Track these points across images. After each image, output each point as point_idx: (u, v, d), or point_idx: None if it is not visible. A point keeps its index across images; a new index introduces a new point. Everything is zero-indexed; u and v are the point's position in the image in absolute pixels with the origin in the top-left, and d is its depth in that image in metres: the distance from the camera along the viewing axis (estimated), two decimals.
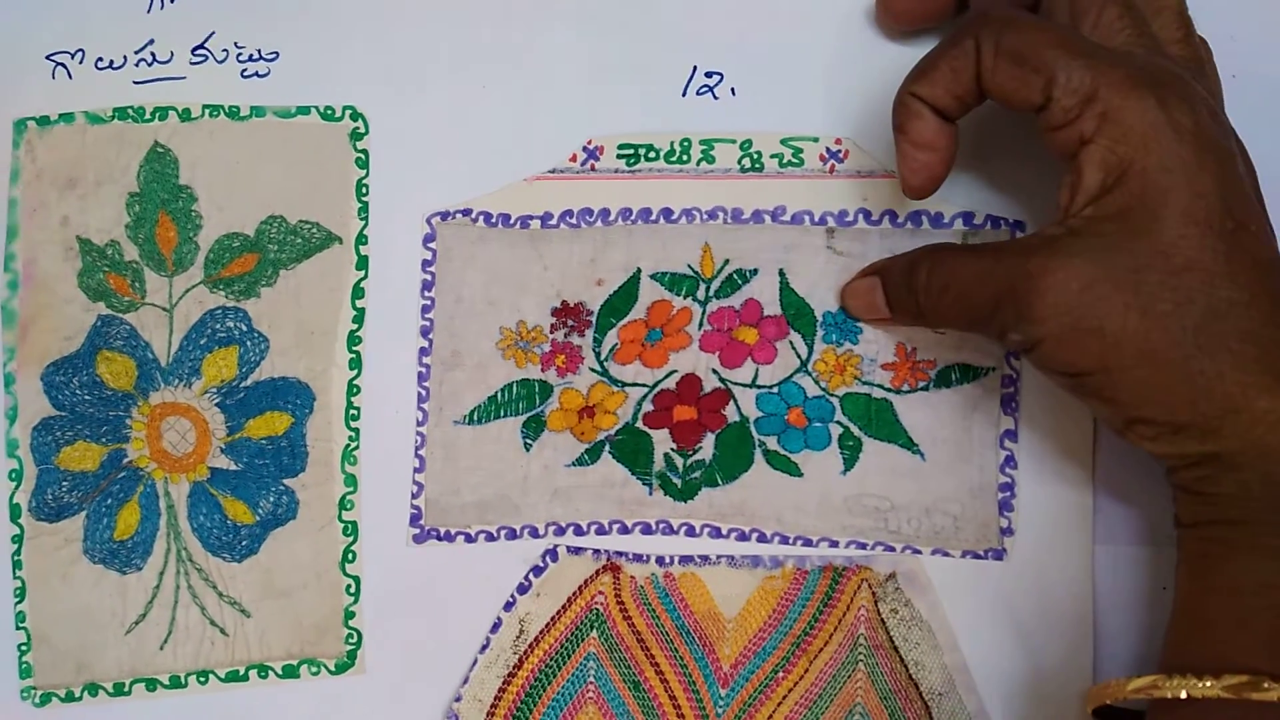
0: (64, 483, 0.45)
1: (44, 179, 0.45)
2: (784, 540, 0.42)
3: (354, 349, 0.44)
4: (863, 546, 0.42)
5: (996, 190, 0.43)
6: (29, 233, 0.45)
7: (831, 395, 0.42)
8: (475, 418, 0.44)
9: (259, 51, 0.45)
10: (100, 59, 0.45)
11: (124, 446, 0.45)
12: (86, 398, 0.45)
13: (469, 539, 0.43)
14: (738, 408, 0.43)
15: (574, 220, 0.43)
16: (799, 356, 0.42)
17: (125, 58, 0.45)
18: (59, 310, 0.45)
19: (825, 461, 0.42)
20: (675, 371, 0.43)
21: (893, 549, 0.42)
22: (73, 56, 0.45)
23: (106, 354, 0.45)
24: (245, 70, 0.45)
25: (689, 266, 0.43)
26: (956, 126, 0.38)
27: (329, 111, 0.44)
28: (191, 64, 0.45)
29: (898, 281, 0.39)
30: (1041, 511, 0.42)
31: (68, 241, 0.45)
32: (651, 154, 0.43)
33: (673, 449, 0.43)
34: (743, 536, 0.43)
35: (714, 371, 0.43)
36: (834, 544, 0.42)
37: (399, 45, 0.44)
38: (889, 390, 0.42)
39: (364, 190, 0.44)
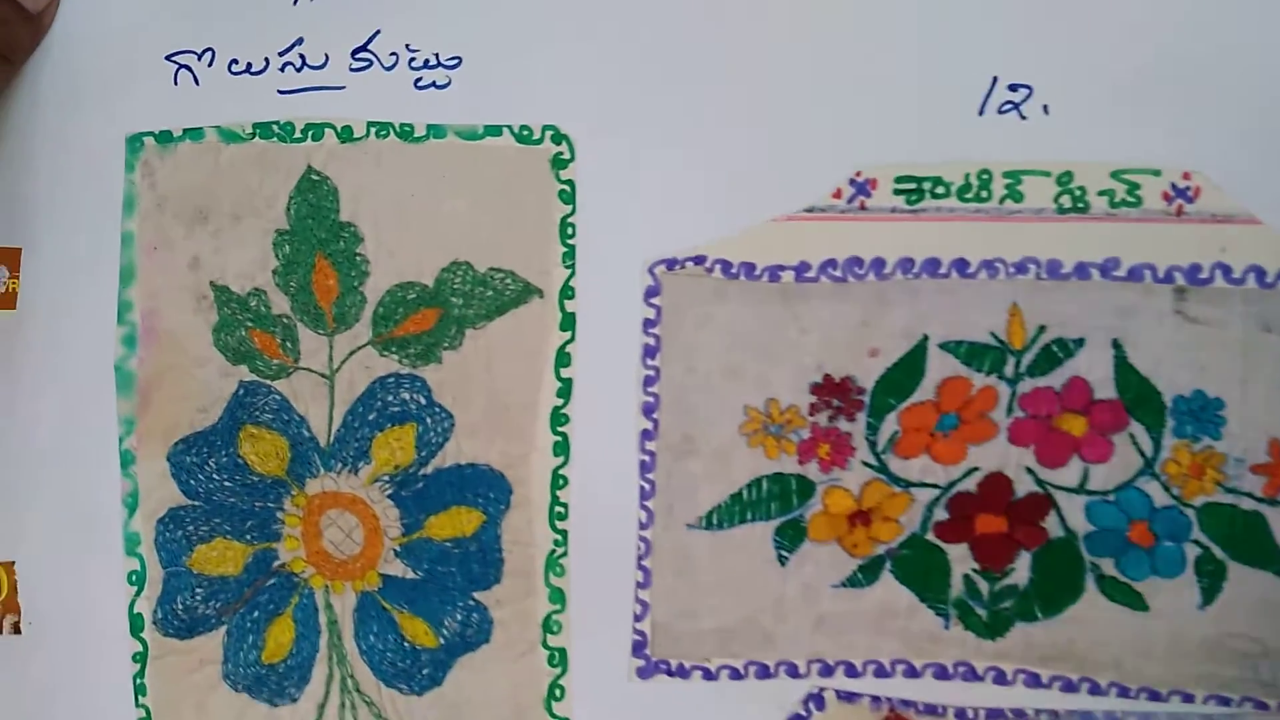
0: (198, 590, 0.37)
1: (167, 210, 0.37)
2: (1123, 693, 0.35)
3: (559, 430, 0.36)
4: (1226, 703, 0.35)
5: None
6: (149, 276, 0.37)
7: (1186, 506, 0.34)
8: (715, 521, 0.36)
9: (437, 56, 0.36)
10: (235, 61, 0.37)
11: (274, 546, 0.37)
12: (226, 484, 0.37)
13: (708, 675, 0.36)
14: (1061, 519, 0.35)
15: (839, 272, 0.35)
16: (1142, 454, 0.34)
17: (268, 60, 0.37)
18: (190, 374, 0.37)
19: (1178, 592, 0.35)
20: (977, 469, 0.35)
21: (1265, 706, 0.34)
22: (200, 58, 0.37)
23: (251, 430, 0.37)
24: (420, 79, 0.36)
25: (992, 335, 0.34)
26: None
27: (525, 132, 0.36)
28: (352, 70, 0.37)
29: None
30: None
31: (199, 289, 0.37)
32: (939, 189, 0.34)
33: (975, 570, 0.35)
34: (1069, 686, 0.35)
35: (1029, 471, 0.35)
36: (1188, 699, 0.35)
37: (612, 50, 0.36)
38: (1262, 501, 0.34)
39: (570, 231, 0.36)
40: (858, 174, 0.36)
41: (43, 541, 0.39)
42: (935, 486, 0.36)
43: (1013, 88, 0.36)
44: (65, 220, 0.38)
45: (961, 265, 0.36)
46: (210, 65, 0.38)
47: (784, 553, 0.36)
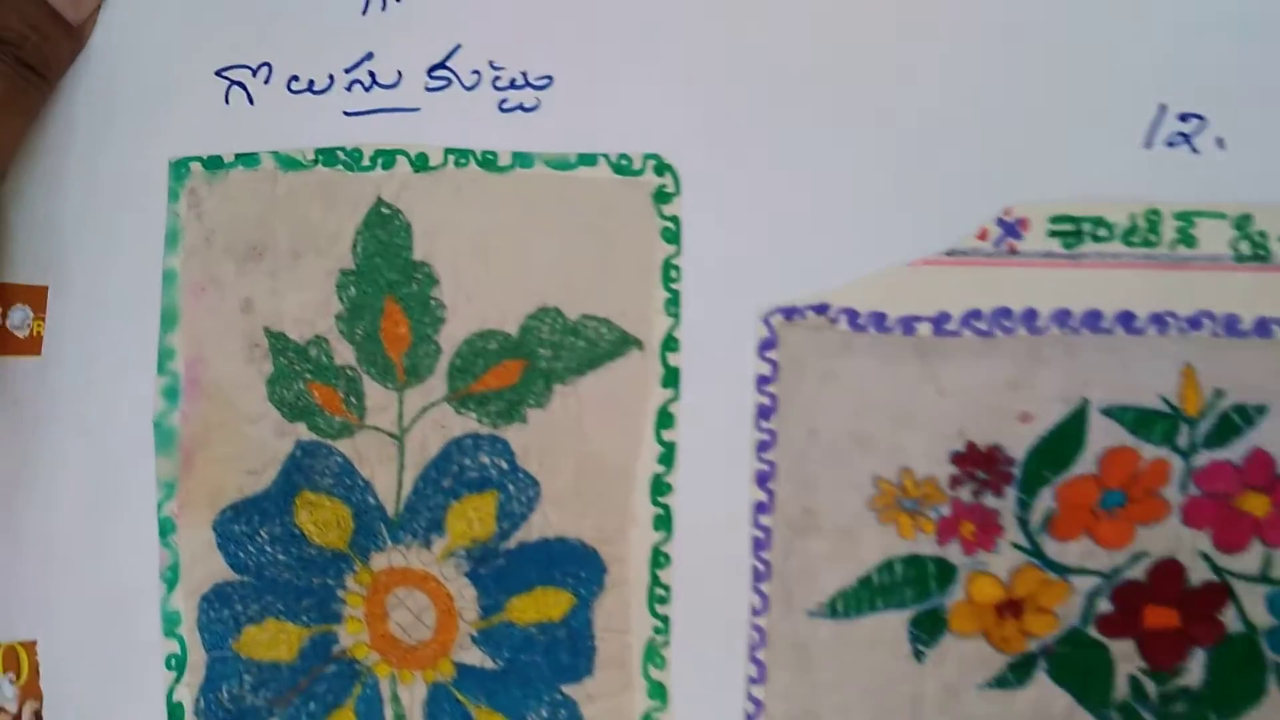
0: (247, 677, 0.33)
1: (216, 245, 0.33)
2: None
3: (661, 501, 0.32)
4: None
5: None
6: (195, 320, 0.33)
7: None
8: (840, 608, 0.31)
9: (524, 75, 0.32)
10: (295, 78, 0.33)
11: (334, 629, 0.33)
12: (280, 558, 0.33)
13: None
14: (1240, 612, 0.31)
15: (984, 325, 0.31)
16: None
17: (332, 78, 0.33)
18: (240, 432, 0.33)
19: None
20: (1146, 555, 0.31)
21: None
22: (255, 73, 0.33)
23: (310, 497, 0.33)
24: (505, 101, 0.32)
25: (1162, 399, 0.30)
26: None
27: (624, 162, 0.32)
28: (428, 90, 0.32)
29: None
30: None
31: (252, 335, 0.33)
32: (1101, 231, 0.30)
33: (1143, 670, 0.31)
34: None
35: (1204, 557, 0.31)
36: None
37: (723, 67, 0.32)
38: None
39: (674, 274, 0.32)
40: (1007, 212, 0.31)
41: (70, 618, 0.35)
42: (1097, 574, 0.32)
43: (1183, 117, 0.31)
44: (98, 255, 0.34)
45: (1127, 319, 0.31)
46: (267, 82, 0.33)
47: (921, 647, 0.32)
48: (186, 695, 0.34)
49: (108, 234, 0.34)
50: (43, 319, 0.35)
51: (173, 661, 0.34)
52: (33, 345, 0.35)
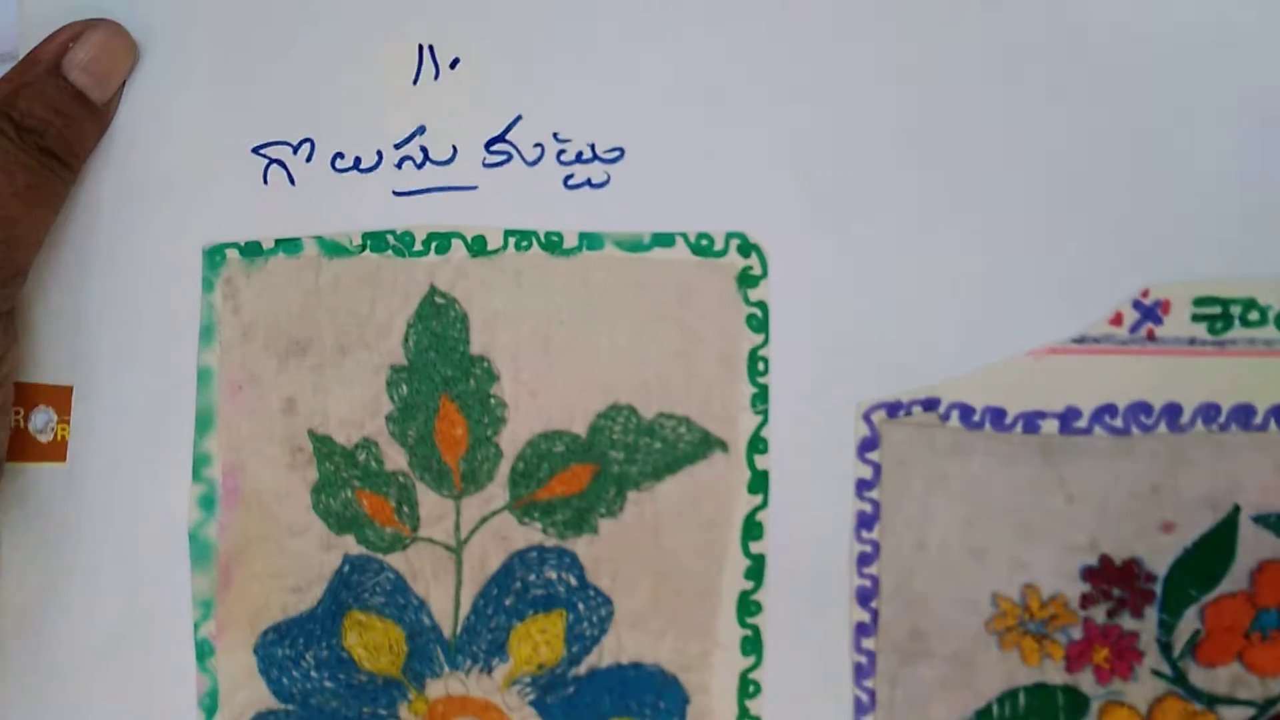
0: None
1: (255, 340, 0.30)
2: None
3: (749, 622, 0.28)
4: None
5: None
6: (233, 422, 0.30)
7: None
8: None
9: (592, 148, 0.29)
10: (340, 155, 0.30)
11: None
12: (328, 684, 0.29)
13: None
14: None
15: (1119, 422, 0.27)
16: None
17: (381, 154, 0.30)
18: (282, 546, 0.30)
19: None
20: None
21: None
22: (296, 151, 0.30)
23: (359, 617, 0.29)
24: (571, 177, 0.29)
25: None
26: None
27: (705, 242, 0.28)
28: (486, 165, 0.29)
29: None
30: None
31: (295, 438, 0.30)
32: (1253, 314, 0.27)
33: None
34: None
35: None
36: None
37: (815, 135, 0.28)
38: None
39: (762, 367, 0.28)
40: (1144, 293, 0.27)
41: None
42: (1250, 704, 0.27)
43: None
44: (127, 352, 0.31)
45: None
46: (309, 160, 0.30)
47: None
48: None
49: (137, 329, 0.31)
50: (67, 422, 0.31)
51: None
52: (57, 451, 0.32)
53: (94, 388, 0.31)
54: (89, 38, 0.31)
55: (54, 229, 0.31)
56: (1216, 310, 0.28)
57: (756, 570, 0.29)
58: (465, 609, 0.30)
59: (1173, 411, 0.28)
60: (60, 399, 0.32)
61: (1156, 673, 0.28)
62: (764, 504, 0.29)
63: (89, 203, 0.31)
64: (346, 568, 0.30)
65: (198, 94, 0.31)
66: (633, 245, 0.29)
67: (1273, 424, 0.27)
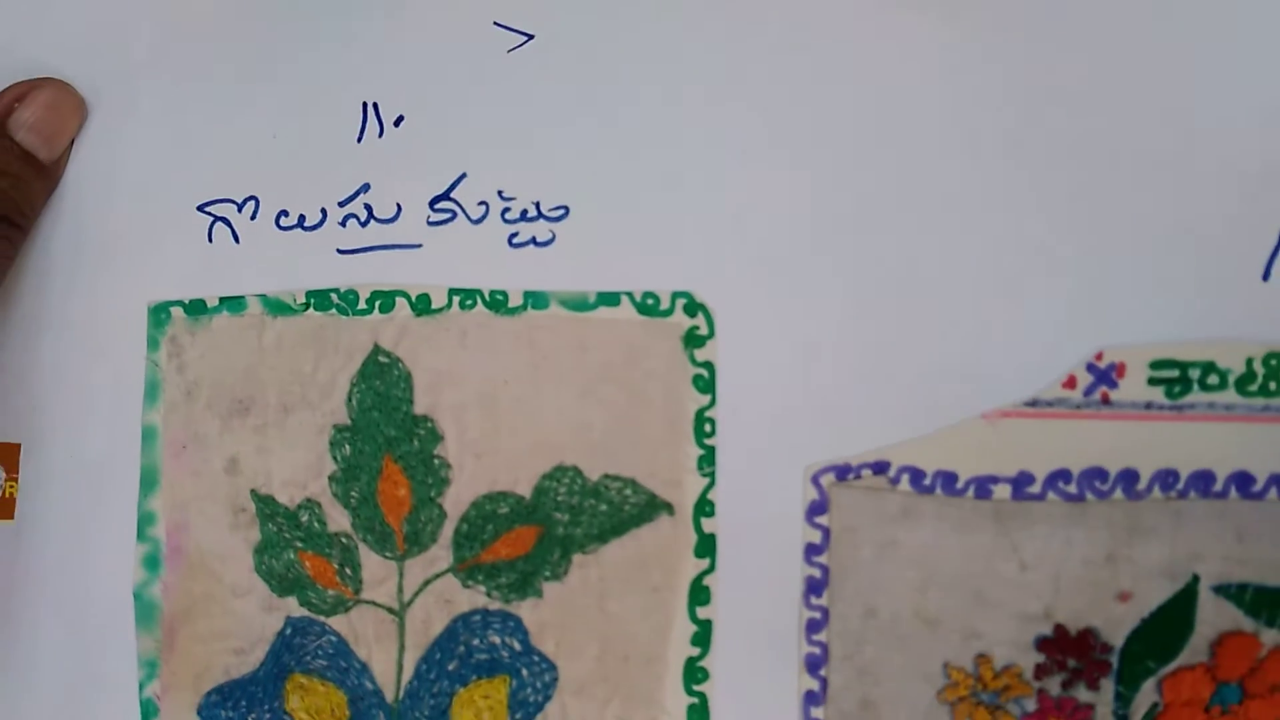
0: None
1: (198, 399, 0.29)
2: None
3: (696, 689, 0.27)
4: None
5: None
6: (176, 482, 0.29)
7: None
8: None
9: (537, 206, 0.28)
10: (285, 213, 0.29)
11: None
12: None
13: None
14: None
15: (1074, 488, 0.26)
16: None
17: (324, 212, 0.29)
18: (225, 607, 0.29)
19: None
20: None
21: None
22: (240, 208, 0.29)
23: (301, 680, 0.28)
24: (516, 235, 0.28)
25: None
26: None
27: (651, 301, 0.27)
28: (431, 224, 0.28)
29: None
30: None
31: (238, 499, 0.29)
32: (1211, 378, 0.25)
33: None
34: None
35: None
36: None
37: (762, 195, 0.27)
38: None
39: (709, 429, 0.27)
40: (1098, 356, 0.26)
41: None
42: None
43: None
44: (74, 410, 0.30)
45: (1243, 481, 0.26)
46: (253, 218, 0.29)
47: None
48: None
49: (83, 387, 0.30)
50: (15, 480, 0.30)
51: None
52: (5, 509, 0.30)
53: (42, 446, 0.30)
54: (35, 97, 0.30)
55: (4, 287, 0.31)
56: (1174, 374, 0.26)
57: (703, 636, 0.27)
58: (408, 673, 0.29)
59: (1129, 477, 0.26)
60: (9, 456, 0.31)
61: None
62: (711, 568, 0.27)
63: (39, 260, 0.30)
64: (289, 630, 0.29)
65: (144, 151, 0.30)
66: (578, 304, 0.28)
67: (1233, 491, 0.26)
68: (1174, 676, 0.26)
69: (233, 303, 0.30)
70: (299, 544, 0.29)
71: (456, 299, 0.29)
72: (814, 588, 0.27)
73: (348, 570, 0.29)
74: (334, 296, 0.29)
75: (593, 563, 0.28)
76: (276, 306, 0.29)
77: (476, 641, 0.28)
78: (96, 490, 0.30)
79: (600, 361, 0.28)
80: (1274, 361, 0.26)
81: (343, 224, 0.29)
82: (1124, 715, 0.26)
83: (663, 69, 0.28)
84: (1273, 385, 0.26)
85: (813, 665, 0.27)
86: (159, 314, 0.30)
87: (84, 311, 0.30)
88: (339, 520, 0.29)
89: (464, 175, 0.29)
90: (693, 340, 0.28)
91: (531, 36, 0.29)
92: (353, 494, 0.29)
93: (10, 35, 0.31)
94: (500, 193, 0.28)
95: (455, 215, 0.29)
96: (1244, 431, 0.26)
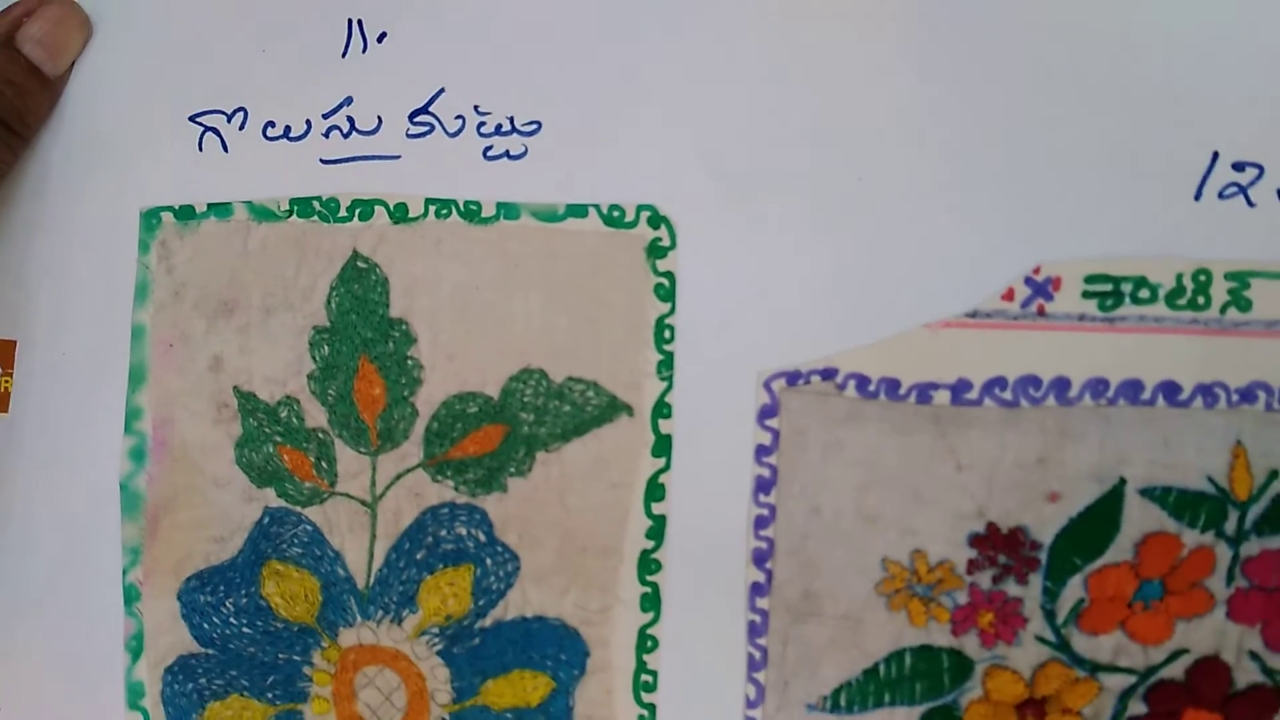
0: None
1: (186, 300, 0.29)
2: None
3: (649, 580, 0.28)
4: None
5: None
6: (163, 378, 0.29)
7: None
8: (842, 703, 0.27)
9: (511, 121, 0.28)
10: (271, 124, 0.29)
11: (299, 708, 0.29)
12: (246, 631, 0.29)
13: None
14: None
15: (1009, 394, 0.26)
16: None
17: (309, 123, 0.29)
18: (206, 497, 0.29)
19: None
20: (1186, 652, 0.26)
21: None
22: (230, 119, 0.29)
23: (277, 566, 0.29)
24: (490, 148, 0.28)
25: (1209, 480, 0.25)
26: None
27: (616, 213, 0.28)
28: (410, 136, 0.29)
29: None
30: None
31: (220, 395, 0.29)
32: (1143, 292, 0.26)
33: None
34: None
35: (1253, 657, 0.25)
36: None
37: (725, 112, 0.27)
38: None
39: (668, 335, 0.28)
40: (1036, 270, 0.26)
41: (32, 688, 0.30)
42: (1131, 672, 0.26)
43: (1238, 166, 0.26)
44: (67, 311, 0.30)
45: (1170, 390, 0.26)
46: (242, 129, 0.29)
47: None
48: None
49: (78, 288, 0.30)
50: (10, 375, 0.30)
51: None
52: (0, 403, 0.32)
53: (37, 343, 0.30)
54: (44, 12, 0.30)
55: (4, 192, 0.31)
56: (1107, 287, 0.27)
57: (658, 530, 0.28)
58: (378, 561, 0.29)
59: (1061, 385, 0.27)
60: (5, 354, 0.31)
61: (1040, 639, 0.26)
62: (667, 467, 0.28)
63: (39, 167, 0.30)
64: (266, 519, 0.29)
65: (143, 66, 0.30)
66: (548, 215, 0.28)
67: (1160, 399, 0.26)
68: (1099, 573, 0.26)
69: (220, 209, 0.30)
70: (278, 439, 0.29)
71: (433, 208, 0.29)
72: (763, 486, 0.28)
73: (324, 464, 0.29)
74: (316, 204, 0.29)
75: (555, 460, 0.28)
76: (261, 213, 0.30)
77: (444, 532, 0.29)
78: (87, 386, 0.30)
79: (567, 270, 0.28)
80: (1203, 277, 0.26)
81: (326, 135, 0.29)
82: (1051, 609, 0.27)
83: None
84: (1201, 300, 0.26)
85: (759, 559, 0.28)
86: (150, 219, 0.30)
87: (81, 216, 0.30)
88: (316, 417, 0.29)
89: (442, 90, 0.29)
90: (655, 251, 0.28)
91: None
92: (330, 392, 0.29)
93: None
94: (476, 107, 0.29)
95: (433, 128, 0.29)
96: (1172, 343, 0.26)
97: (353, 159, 0.29)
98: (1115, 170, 0.26)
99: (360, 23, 0.29)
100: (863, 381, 0.27)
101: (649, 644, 0.28)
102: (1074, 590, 0.26)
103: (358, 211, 0.29)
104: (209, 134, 0.30)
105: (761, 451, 0.28)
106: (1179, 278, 0.26)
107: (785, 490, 0.27)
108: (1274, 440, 0.25)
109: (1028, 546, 0.26)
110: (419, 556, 0.28)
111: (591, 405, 0.28)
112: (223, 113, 0.30)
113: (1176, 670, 0.26)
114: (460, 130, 0.29)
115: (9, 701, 0.31)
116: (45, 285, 0.30)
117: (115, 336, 0.30)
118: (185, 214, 0.30)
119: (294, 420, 0.29)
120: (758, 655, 0.27)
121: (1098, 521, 0.26)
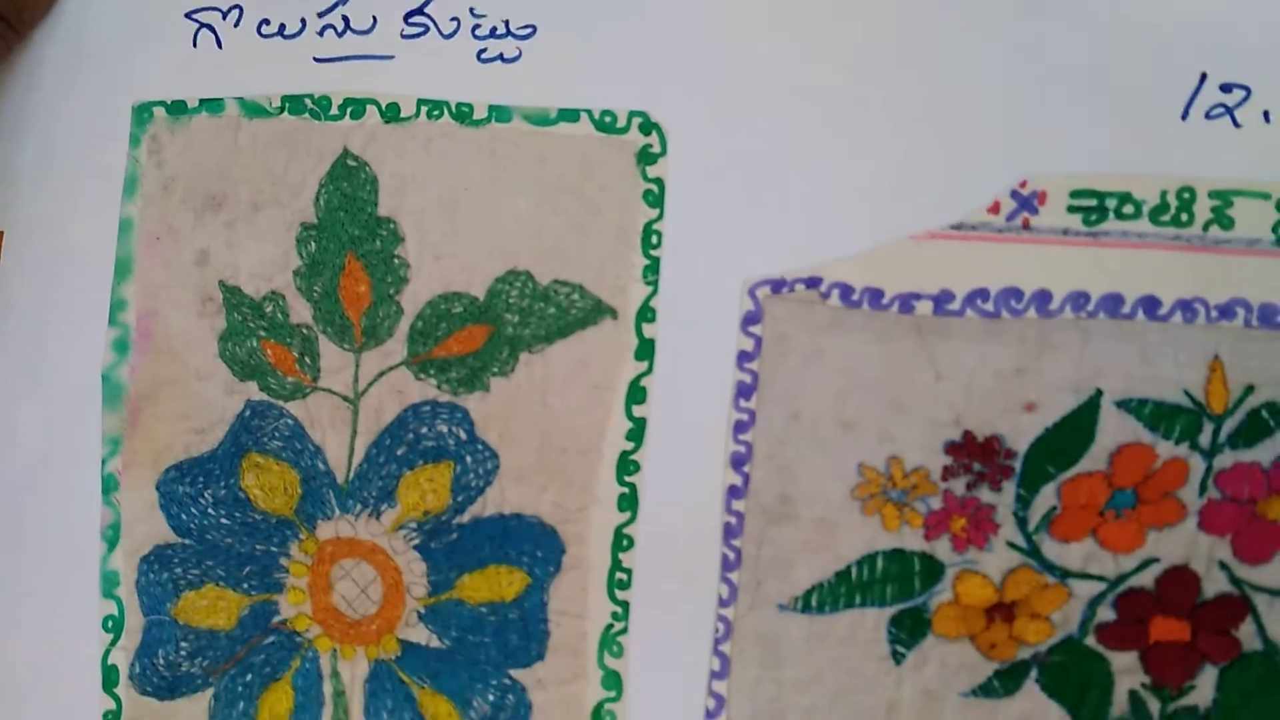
0: (183, 644, 0.29)
1: (174, 193, 0.29)
2: None
3: (627, 480, 0.27)
4: None
5: None
6: (149, 271, 0.29)
7: None
8: (814, 603, 0.26)
9: (506, 24, 0.28)
10: (266, 21, 0.29)
11: (275, 599, 0.29)
12: (224, 521, 0.29)
13: None
14: (1260, 628, 0.25)
15: (990, 305, 0.26)
16: None
17: (304, 22, 0.28)
18: (188, 389, 0.29)
19: None
20: (1156, 561, 0.25)
21: None
22: (225, 15, 0.29)
23: (257, 459, 0.28)
24: (484, 51, 0.28)
25: (1185, 394, 0.25)
26: None
27: (608, 119, 0.27)
28: (404, 37, 0.28)
29: None
30: None
31: (206, 289, 0.28)
32: (1127, 208, 0.26)
33: (1145, 685, 0.25)
34: None
35: (1222, 567, 0.25)
36: None
37: (718, 21, 0.27)
38: None
39: (655, 240, 0.27)
40: (1022, 184, 0.26)
41: (6, 576, 0.30)
42: (1101, 579, 0.26)
43: (1225, 88, 0.25)
44: (57, 201, 0.29)
45: (1150, 305, 0.26)
46: (236, 25, 0.28)
47: (900, 648, 0.26)
48: (122, 659, 0.29)
49: (68, 180, 0.29)
50: None
51: (109, 623, 0.29)
52: None
53: (25, 234, 0.30)
54: None
55: (1, 91, 0.30)
56: (1092, 202, 0.26)
57: (637, 432, 0.27)
58: (359, 456, 0.28)
59: (1043, 298, 0.26)
60: None
61: (1011, 545, 0.26)
62: (649, 370, 0.27)
63: (33, 61, 0.30)
64: (248, 412, 0.28)
65: None
66: (539, 119, 0.27)
67: (1140, 313, 0.26)
68: (1073, 482, 0.26)
69: (212, 104, 0.29)
70: (262, 333, 0.29)
71: (424, 109, 0.28)
72: (743, 391, 0.28)
73: (307, 359, 0.29)
74: (308, 101, 0.28)
75: (538, 361, 0.28)
76: (252, 109, 0.29)
77: (425, 430, 0.28)
78: (74, 277, 0.29)
79: (557, 173, 0.28)
80: (1186, 195, 0.26)
81: (320, 34, 0.29)
82: (1023, 516, 0.26)
83: None
84: (1184, 216, 0.26)
85: (737, 462, 0.27)
86: (142, 113, 0.29)
87: (74, 110, 0.29)
88: (301, 312, 0.28)
89: None
90: (645, 157, 0.28)
91: None
92: (315, 288, 0.28)
93: None
94: (472, 10, 0.28)
95: (428, 29, 0.28)
96: (1154, 258, 0.26)
97: (346, 58, 0.28)
98: (1105, 88, 0.26)
99: None
100: (846, 290, 0.27)
101: (625, 543, 0.27)
102: (1046, 498, 0.26)
103: (349, 110, 0.28)
104: (204, 30, 0.29)
105: (743, 357, 0.27)
106: (1163, 195, 0.26)
107: (766, 395, 0.27)
108: (1251, 355, 0.25)
109: (1002, 455, 0.26)
110: (399, 453, 0.28)
111: (576, 308, 0.27)
112: (218, 9, 0.29)
113: (1146, 579, 0.26)
114: (455, 32, 0.28)
115: None
116: (35, 177, 0.29)
117: (103, 229, 0.29)
118: (177, 109, 0.29)
119: (279, 315, 0.28)
120: (732, 556, 0.27)
121: (1073, 431, 0.26)
